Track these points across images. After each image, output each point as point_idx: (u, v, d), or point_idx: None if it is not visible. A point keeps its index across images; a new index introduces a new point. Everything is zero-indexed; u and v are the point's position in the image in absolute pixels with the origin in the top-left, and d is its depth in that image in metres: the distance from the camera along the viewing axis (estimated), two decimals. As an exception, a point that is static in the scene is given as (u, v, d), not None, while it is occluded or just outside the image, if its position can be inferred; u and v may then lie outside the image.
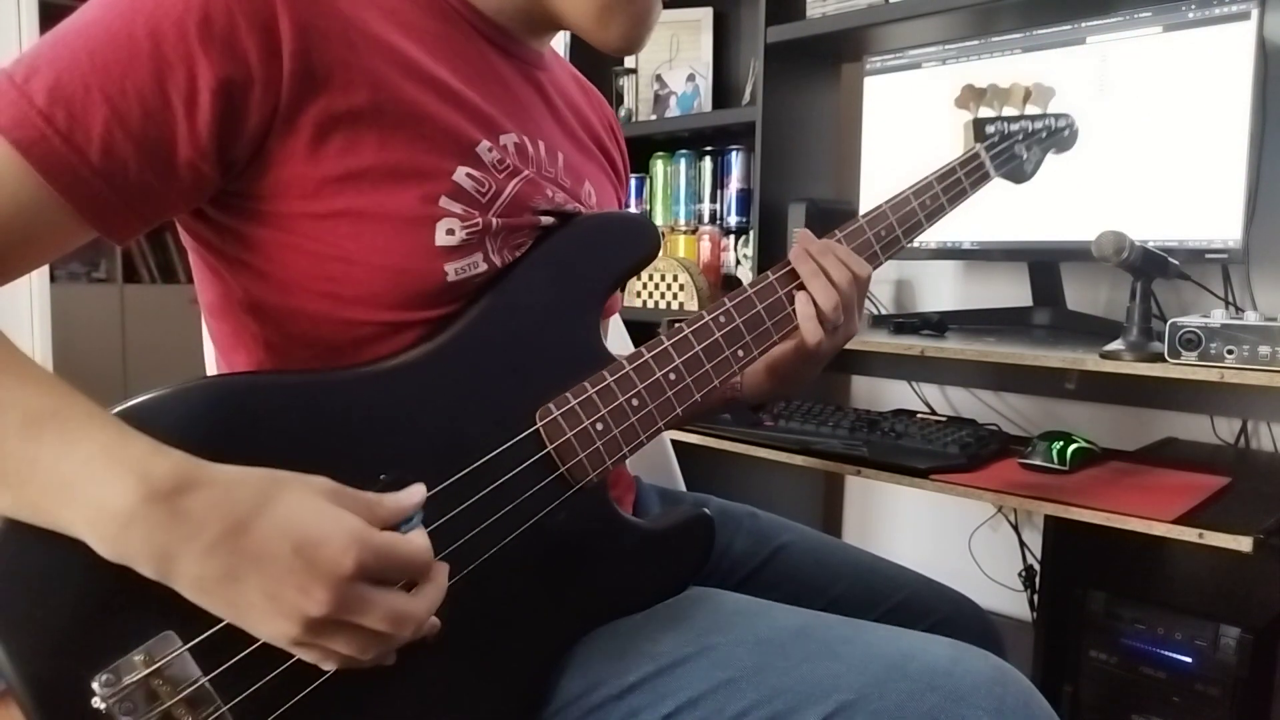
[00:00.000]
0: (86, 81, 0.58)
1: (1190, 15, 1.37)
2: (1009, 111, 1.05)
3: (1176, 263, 1.24)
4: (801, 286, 0.82)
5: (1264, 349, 1.10)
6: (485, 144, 0.71)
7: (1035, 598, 1.73)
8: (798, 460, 1.42)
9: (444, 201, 0.67)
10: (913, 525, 2.04)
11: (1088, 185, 1.45)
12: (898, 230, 0.90)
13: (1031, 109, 1.06)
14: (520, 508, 0.70)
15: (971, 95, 1.04)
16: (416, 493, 0.61)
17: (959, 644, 0.68)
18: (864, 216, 0.89)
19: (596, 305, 0.76)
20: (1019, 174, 1.04)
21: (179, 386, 0.61)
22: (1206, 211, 1.37)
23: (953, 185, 0.94)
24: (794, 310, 0.82)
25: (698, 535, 0.79)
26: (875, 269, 0.88)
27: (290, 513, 0.55)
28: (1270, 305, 1.49)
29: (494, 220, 0.70)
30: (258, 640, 0.57)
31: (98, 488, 0.53)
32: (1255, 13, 1.32)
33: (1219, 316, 1.16)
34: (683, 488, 1.24)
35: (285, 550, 0.54)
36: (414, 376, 0.69)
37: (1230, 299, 1.48)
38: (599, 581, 0.74)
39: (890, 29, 1.70)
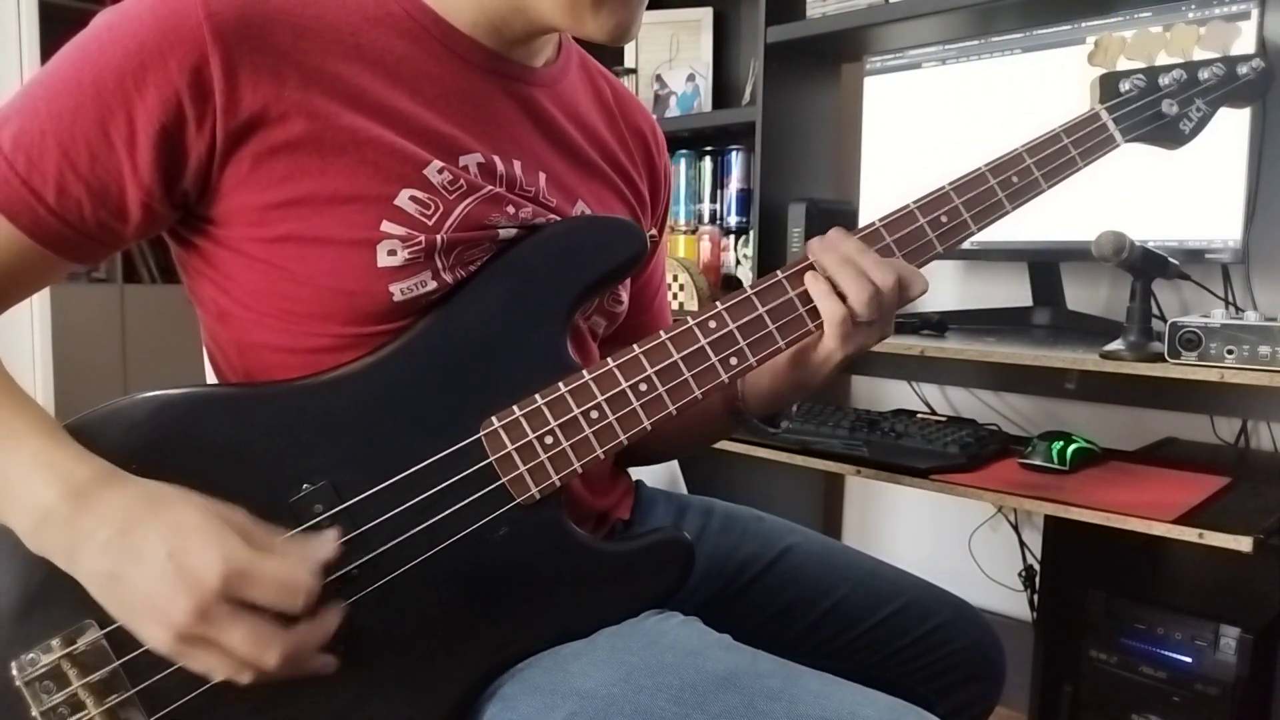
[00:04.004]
0: (42, 128, 0.64)
1: (1190, 15, 1.37)
2: (1166, 60, 0.85)
3: (1176, 263, 1.23)
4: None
5: (1264, 349, 1.10)
6: (436, 165, 0.70)
7: (1035, 598, 1.74)
8: (798, 460, 1.42)
9: (385, 225, 0.68)
10: (913, 525, 2.04)
11: (1088, 185, 1.45)
12: (965, 214, 0.78)
13: (1204, 53, 0.85)
14: (453, 519, 0.68)
15: (1109, 48, 0.85)
16: (325, 544, 0.62)
17: (898, 705, 0.63)
18: (916, 201, 0.78)
19: (561, 314, 0.73)
20: (1171, 135, 0.86)
21: (117, 404, 0.66)
22: (1206, 211, 1.37)
23: (1053, 157, 0.81)
24: (806, 312, 0.73)
25: (672, 559, 0.74)
26: (927, 263, 0.78)
27: (175, 522, 0.59)
28: (1270, 305, 1.49)
29: (440, 238, 0.70)
30: None
31: (26, 487, 0.60)
32: (1255, 12, 1.32)
33: (1219, 316, 1.16)
34: (684, 490, 1.24)
35: (160, 555, 0.57)
36: (350, 388, 0.69)
37: (1230, 299, 1.48)
38: (543, 604, 0.71)
39: (890, 29, 1.70)
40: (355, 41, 0.70)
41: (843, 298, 0.73)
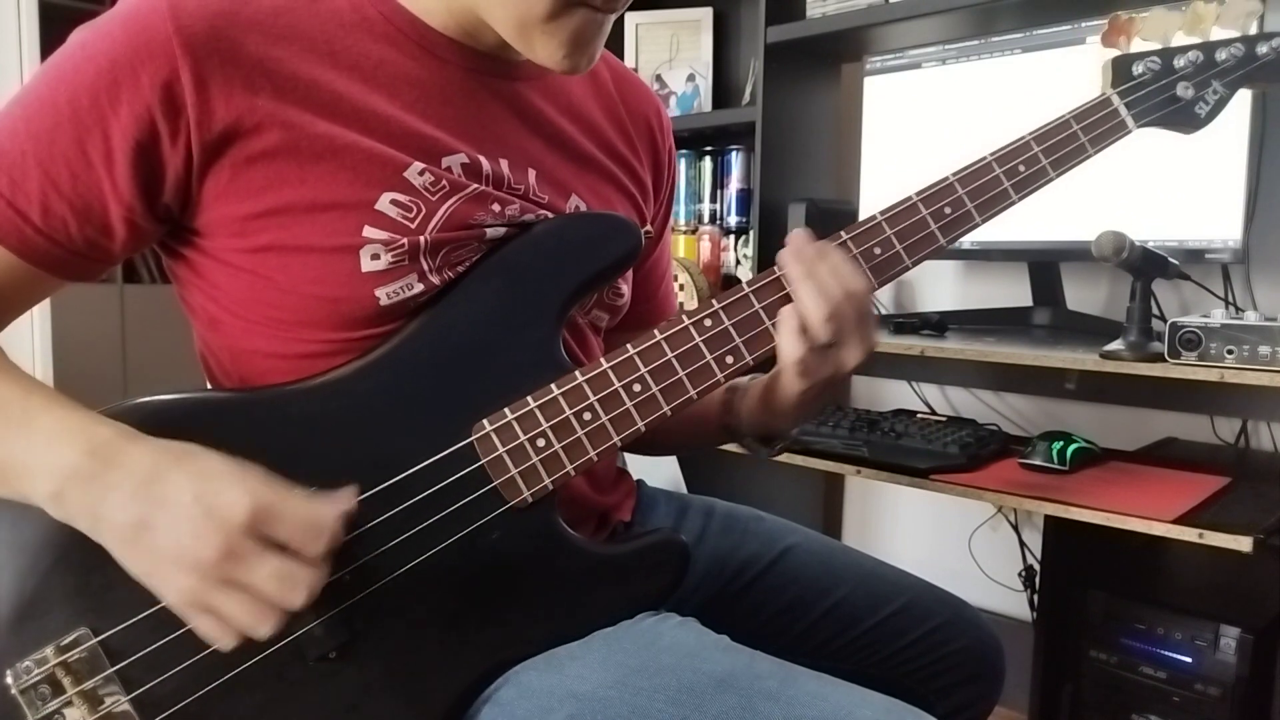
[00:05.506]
0: (23, 148, 0.65)
1: (1190, 15, 1.37)
2: (1183, 40, 0.82)
3: (1176, 263, 1.24)
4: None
5: (1264, 349, 1.10)
6: (417, 166, 0.70)
7: (1035, 598, 1.74)
8: (798, 460, 1.42)
9: (367, 230, 0.68)
10: (913, 525, 2.04)
11: (1088, 185, 1.45)
12: (969, 205, 0.76)
13: (1222, 32, 0.82)
14: (445, 523, 0.67)
15: (1122, 28, 0.81)
16: (345, 496, 0.62)
17: (895, 705, 0.63)
18: (918, 193, 0.76)
19: (553, 314, 0.72)
20: (1186, 119, 0.82)
21: (111, 410, 0.66)
22: (1206, 211, 1.37)
23: (1061, 144, 0.78)
24: (778, 322, 0.72)
25: (666, 561, 0.73)
26: (922, 260, 0.76)
27: (199, 469, 0.60)
28: (1270, 305, 1.49)
29: (424, 239, 0.69)
30: (165, 636, 0.63)
31: (48, 456, 0.60)
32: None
33: (1219, 316, 1.16)
34: (684, 489, 1.24)
35: (188, 498, 0.58)
36: (340, 392, 0.69)
37: (1230, 299, 1.48)
38: (538, 607, 0.70)
39: (890, 29, 1.70)
40: (330, 48, 0.70)
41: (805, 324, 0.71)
